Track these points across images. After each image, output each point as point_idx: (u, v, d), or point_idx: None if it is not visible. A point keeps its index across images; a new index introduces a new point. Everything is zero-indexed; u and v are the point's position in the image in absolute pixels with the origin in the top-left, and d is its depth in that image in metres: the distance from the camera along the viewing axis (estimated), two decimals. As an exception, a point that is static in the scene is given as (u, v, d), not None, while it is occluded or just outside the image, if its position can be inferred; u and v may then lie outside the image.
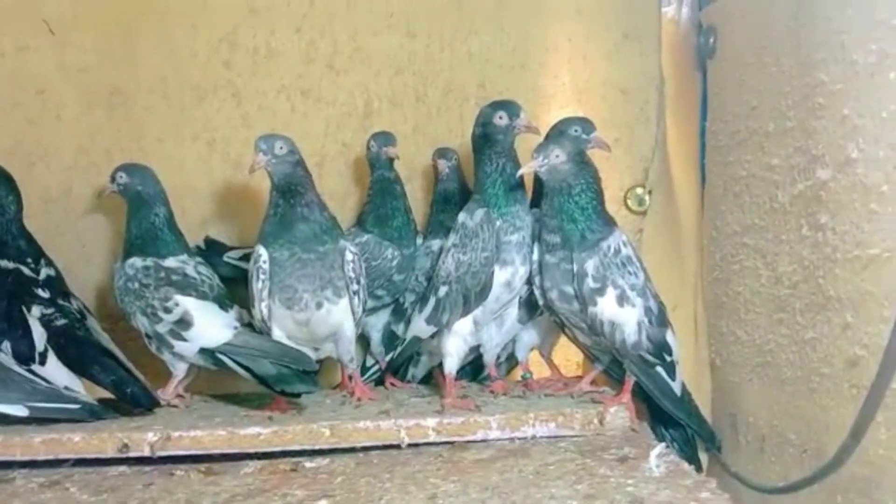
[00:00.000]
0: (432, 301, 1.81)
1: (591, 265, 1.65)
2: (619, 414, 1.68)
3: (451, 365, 1.80)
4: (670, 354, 1.74)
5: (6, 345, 1.78)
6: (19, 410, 1.62)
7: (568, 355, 2.13)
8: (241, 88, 2.16)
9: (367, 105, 2.20)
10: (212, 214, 2.17)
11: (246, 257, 2.08)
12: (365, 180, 2.12)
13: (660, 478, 1.32)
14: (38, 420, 1.65)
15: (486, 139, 1.78)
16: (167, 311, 1.81)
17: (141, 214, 1.92)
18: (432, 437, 1.64)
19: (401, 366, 2.05)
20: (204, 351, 1.79)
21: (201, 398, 1.95)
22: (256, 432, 1.62)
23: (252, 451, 1.61)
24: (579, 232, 1.67)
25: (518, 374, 2.02)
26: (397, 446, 1.63)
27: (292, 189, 1.74)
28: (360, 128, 2.18)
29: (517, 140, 1.80)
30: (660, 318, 1.73)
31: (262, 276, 1.72)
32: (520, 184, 1.77)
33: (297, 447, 1.62)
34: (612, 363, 1.83)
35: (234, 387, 2.02)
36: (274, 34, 2.15)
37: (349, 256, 1.75)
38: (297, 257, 1.71)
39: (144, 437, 1.60)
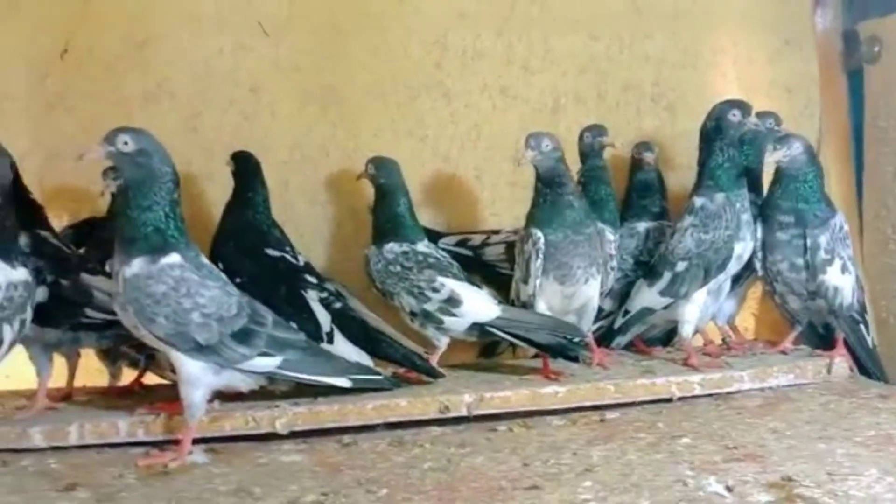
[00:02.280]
0: (667, 275, 2.06)
1: (823, 240, 1.97)
2: (841, 364, 2.01)
3: (689, 331, 2.07)
4: (866, 313, 2.08)
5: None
6: (344, 382, 1.76)
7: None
8: (450, 88, 2.36)
9: (555, 102, 2.44)
10: (422, 204, 2.33)
11: (461, 243, 2.29)
12: None
13: (940, 405, 1.64)
14: (349, 390, 1.81)
15: (718, 132, 2.03)
16: (435, 290, 1.98)
17: (386, 203, 2.08)
18: (697, 391, 1.92)
19: (607, 335, 2.27)
20: (474, 325, 1.98)
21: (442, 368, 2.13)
22: (554, 391, 1.85)
23: (551, 407, 1.84)
24: (812, 212, 1.98)
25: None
26: (668, 400, 1.90)
27: (556, 180, 1.96)
28: (548, 123, 2.39)
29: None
30: (860, 284, 2.07)
31: (539, 255, 1.94)
32: (744, 173, 2.05)
33: (587, 403, 1.86)
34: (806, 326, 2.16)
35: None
36: (479, 37, 2.36)
37: (610, 237, 2.01)
38: (570, 239, 1.94)
39: (461, 398, 1.80)
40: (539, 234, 1.95)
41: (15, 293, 1.58)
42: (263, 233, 2.07)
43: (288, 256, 2.05)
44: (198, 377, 1.61)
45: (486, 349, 2.29)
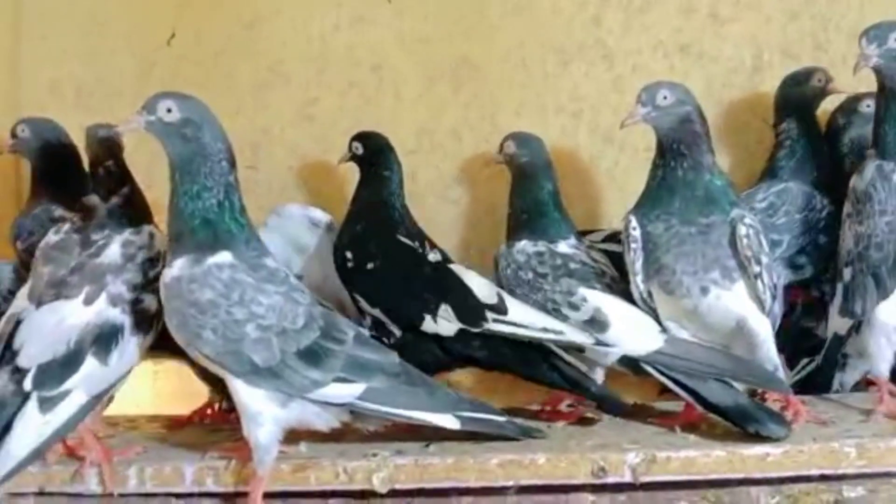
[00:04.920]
0: (840, 287, 1.48)
1: None
2: None
3: (879, 365, 1.45)
4: None
5: (445, 308, 1.47)
6: (450, 422, 1.34)
7: None
8: (613, 48, 1.88)
9: (756, 58, 1.88)
10: (575, 195, 1.85)
11: (611, 237, 1.75)
12: (756, 144, 1.82)
13: None
14: (465, 436, 1.37)
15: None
16: (573, 307, 1.51)
17: (525, 188, 1.64)
18: None
19: (827, 373, 1.65)
20: (626, 358, 1.47)
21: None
22: (764, 453, 1.29)
23: (759, 476, 1.29)
24: None
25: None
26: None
27: (675, 148, 1.43)
28: (747, 86, 1.88)
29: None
30: None
31: (633, 246, 1.44)
32: None
33: (814, 471, 1.29)
34: None
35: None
36: (651, -19, 1.86)
37: (742, 231, 1.40)
38: (673, 231, 1.41)
39: (623, 458, 1.30)
40: (634, 221, 1.44)
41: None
42: (395, 219, 1.65)
43: (420, 250, 1.63)
44: (259, 410, 1.26)
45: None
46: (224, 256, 1.26)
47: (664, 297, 1.45)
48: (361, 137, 1.73)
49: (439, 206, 1.92)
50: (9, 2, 1.97)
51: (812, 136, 1.69)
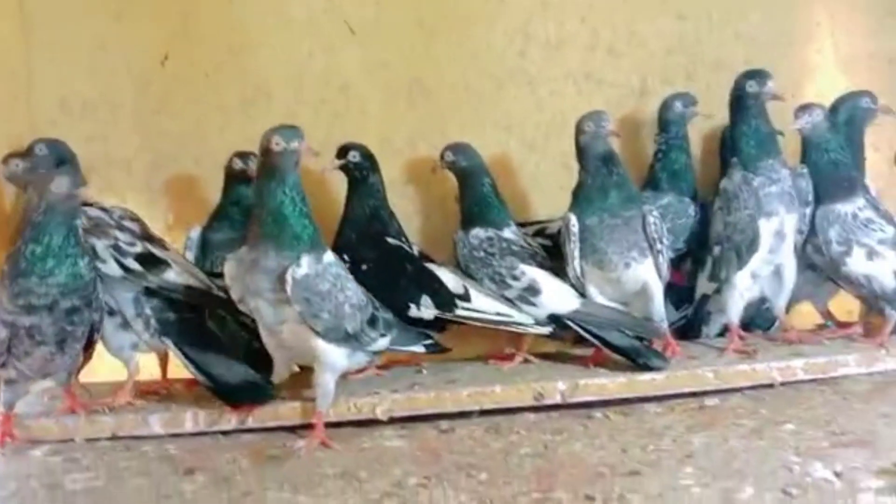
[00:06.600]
0: (710, 260, 2.05)
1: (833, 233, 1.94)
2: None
3: (731, 315, 2.02)
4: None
5: (425, 299, 1.94)
6: (420, 348, 1.87)
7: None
8: (535, 76, 2.36)
9: (642, 84, 2.40)
10: (506, 192, 2.26)
11: (540, 232, 2.26)
12: (642, 152, 2.33)
13: None
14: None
15: (739, 103, 2.02)
16: (515, 278, 2.01)
17: (472, 185, 2.11)
18: (800, 376, 1.87)
19: (696, 326, 2.22)
20: (552, 316, 1.97)
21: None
22: (651, 378, 1.84)
23: (648, 395, 1.84)
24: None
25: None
26: (770, 386, 1.86)
27: (611, 158, 1.96)
28: (635, 106, 2.39)
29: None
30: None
31: (571, 239, 1.94)
32: (773, 141, 2.00)
33: (685, 390, 1.84)
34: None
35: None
36: (563, 25, 2.35)
37: (651, 220, 1.94)
38: (605, 223, 1.92)
39: (555, 385, 1.82)
40: (573, 218, 1.95)
41: None
42: (383, 221, 2.10)
43: (405, 247, 2.09)
44: (341, 363, 1.73)
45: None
46: (329, 255, 1.69)
47: (597, 271, 1.95)
48: (356, 147, 2.11)
49: (398, 202, 2.30)
50: (20, 29, 2.23)
51: (679, 147, 2.22)
